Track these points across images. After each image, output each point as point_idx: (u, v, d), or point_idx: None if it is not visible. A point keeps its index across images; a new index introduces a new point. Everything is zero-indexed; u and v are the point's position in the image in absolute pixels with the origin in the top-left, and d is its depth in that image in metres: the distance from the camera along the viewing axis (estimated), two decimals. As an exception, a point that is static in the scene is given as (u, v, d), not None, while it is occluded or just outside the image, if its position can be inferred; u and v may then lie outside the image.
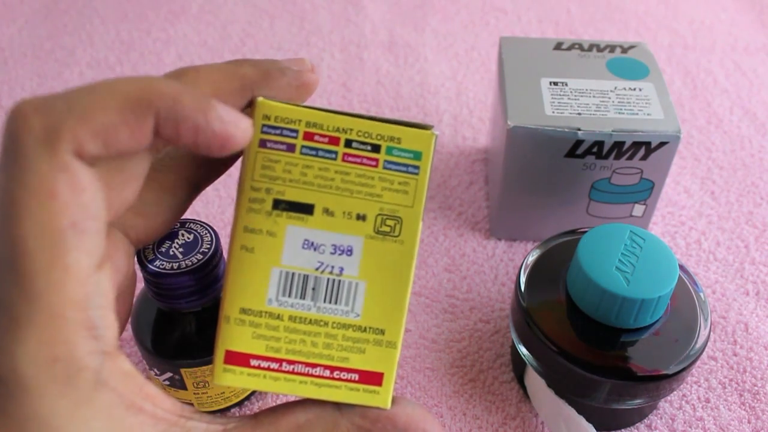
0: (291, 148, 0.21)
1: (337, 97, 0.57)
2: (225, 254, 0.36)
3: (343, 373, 0.21)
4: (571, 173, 0.41)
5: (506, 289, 0.43)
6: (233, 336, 0.21)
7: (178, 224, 0.31)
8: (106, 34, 0.64)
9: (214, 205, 0.47)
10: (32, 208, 0.16)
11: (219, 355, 0.21)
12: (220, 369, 0.21)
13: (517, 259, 0.44)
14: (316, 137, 0.21)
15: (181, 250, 0.30)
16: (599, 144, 0.39)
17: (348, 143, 0.21)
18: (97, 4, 0.68)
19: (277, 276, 0.21)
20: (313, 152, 0.21)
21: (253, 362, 0.21)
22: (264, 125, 0.21)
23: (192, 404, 0.35)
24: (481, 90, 0.58)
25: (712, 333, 0.40)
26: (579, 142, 0.39)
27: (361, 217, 0.21)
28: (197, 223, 0.31)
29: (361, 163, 0.21)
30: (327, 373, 0.21)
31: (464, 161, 0.51)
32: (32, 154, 0.16)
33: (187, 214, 0.47)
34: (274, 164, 0.21)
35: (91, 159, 0.17)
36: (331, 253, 0.21)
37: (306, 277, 0.21)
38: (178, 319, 0.32)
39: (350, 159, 0.21)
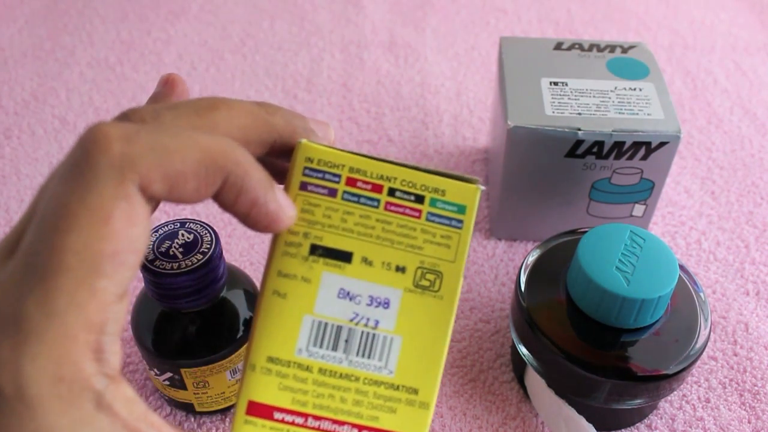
0: (333, 192, 0.20)
1: (337, 97, 0.57)
2: (226, 254, 0.36)
3: None
4: (571, 173, 0.41)
5: (506, 289, 0.43)
6: (258, 386, 0.20)
7: (179, 224, 0.31)
8: (106, 34, 0.64)
9: (214, 205, 0.47)
10: (83, 225, 0.17)
11: (241, 404, 0.20)
12: (242, 420, 0.20)
13: (517, 259, 0.44)
14: (359, 183, 0.20)
15: (181, 250, 0.30)
16: (599, 144, 0.39)
17: (391, 192, 0.20)
18: (97, 4, 0.68)
19: (309, 325, 0.20)
20: (355, 199, 0.20)
21: (277, 415, 0.20)
22: (306, 168, 0.20)
23: (192, 404, 0.35)
24: (481, 90, 0.58)
25: (712, 333, 0.40)
26: (579, 142, 0.39)
27: (400, 269, 0.20)
28: (197, 223, 0.31)
29: (404, 213, 0.20)
30: None
31: (464, 161, 0.51)
32: (101, 176, 0.17)
33: (187, 214, 0.47)
34: (313, 208, 0.20)
35: (150, 198, 0.18)
36: (368, 305, 0.20)
37: (339, 328, 0.20)
38: (178, 319, 0.32)
39: (393, 208, 0.20)
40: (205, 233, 0.31)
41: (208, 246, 0.30)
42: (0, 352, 0.16)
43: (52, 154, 0.52)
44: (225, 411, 0.36)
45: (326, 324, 0.20)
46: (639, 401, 0.32)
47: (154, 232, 0.31)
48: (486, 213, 0.47)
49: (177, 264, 0.29)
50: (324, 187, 0.20)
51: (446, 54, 0.62)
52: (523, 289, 0.35)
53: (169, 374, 0.33)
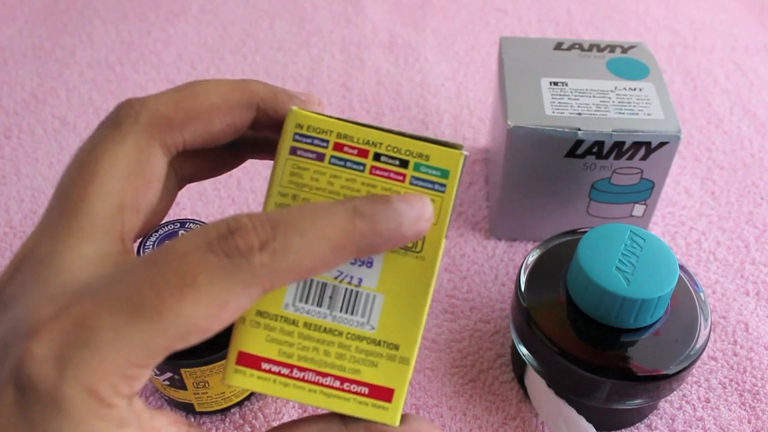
0: (320, 157, 0.21)
1: (337, 97, 0.57)
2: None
3: (353, 386, 0.21)
4: (571, 173, 0.41)
5: (506, 289, 0.43)
6: (247, 337, 0.21)
7: (178, 224, 0.31)
8: (106, 34, 0.64)
9: (214, 205, 0.47)
10: (106, 170, 0.19)
11: (231, 355, 0.21)
12: (232, 369, 0.21)
13: (517, 259, 0.44)
14: (346, 148, 0.21)
15: (181, 250, 0.30)
16: (599, 144, 0.39)
17: (376, 156, 0.21)
18: (97, 4, 0.68)
19: (296, 282, 0.21)
20: (342, 163, 0.21)
21: (265, 366, 0.21)
22: (296, 134, 0.21)
23: (192, 404, 0.35)
24: (481, 90, 0.58)
25: (712, 333, 0.40)
26: (579, 142, 0.39)
27: None
28: (197, 223, 0.31)
29: (388, 177, 0.21)
30: (337, 384, 0.21)
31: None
32: (129, 131, 0.19)
33: (187, 214, 0.47)
34: (302, 172, 0.21)
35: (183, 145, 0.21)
36: (351, 264, 0.21)
37: (324, 285, 0.21)
38: (178, 319, 0.32)
39: (378, 172, 0.21)
40: (205, 233, 0.31)
41: (208, 246, 0.30)
42: (51, 349, 0.16)
43: (52, 154, 0.52)
44: (225, 411, 0.36)
45: (312, 281, 0.21)
46: (639, 401, 0.32)
47: (154, 232, 0.31)
48: (486, 213, 0.47)
49: (177, 264, 0.29)
50: (312, 152, 0.21)
51: (446, 54, 0.62)
52: (523, 289, 0.35)
53: (169, 374, 0.33)
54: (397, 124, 0.54)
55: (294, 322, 0.21)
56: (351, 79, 0.59)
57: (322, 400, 0.21)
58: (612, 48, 0.45)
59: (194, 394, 0.34)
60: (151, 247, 0.30)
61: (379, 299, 0.21)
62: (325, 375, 0.21)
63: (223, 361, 0.32)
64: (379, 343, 0.21)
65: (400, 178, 0.21)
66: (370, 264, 0.21)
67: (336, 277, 0.21)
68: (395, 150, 0.21)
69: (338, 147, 0.21)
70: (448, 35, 0.65)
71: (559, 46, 0.45)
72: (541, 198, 0.43)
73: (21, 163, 0.51)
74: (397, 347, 0.21)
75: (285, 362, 0.21)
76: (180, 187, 0.24)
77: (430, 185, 0.21)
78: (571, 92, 0.41)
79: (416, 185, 0.21)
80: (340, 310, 0.21)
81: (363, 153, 0.21)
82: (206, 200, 0.48)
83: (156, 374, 0.33)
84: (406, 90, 0.58)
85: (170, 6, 0.68)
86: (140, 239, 0.30)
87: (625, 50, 0.45)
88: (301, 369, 0.21)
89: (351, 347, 0.21)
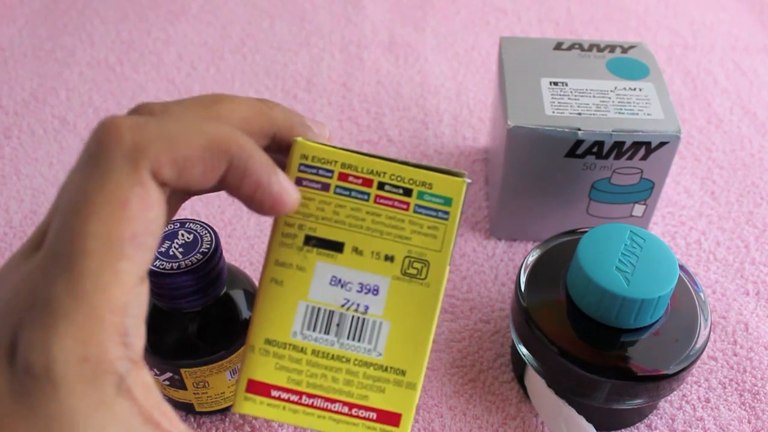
0: (326, 187, 0.22)
1: (337, 97, 0.57)
2: (226, 254, 0.36)
3: (361, 411, 0.21)
4: (571, 173, 0.41)
5: (506, 289, 0.43)
6: (257, 365, 0.21)
7: (178, 224, 0.31)
8: (106, 34, 0.64)
9: (214, 205, 0.47)
10: (102, 211, 0.17)
11: (242, 383, 0.21)
12: (242, 397, 0.21)
13: (517, 259, 0.44)
14: (351, 178, 0.22)
15: (181, 250, 0.30)
16: (599, 144, 0.39)
17: (381, 186, 0.21)
18: (97, 4, 0.68)
19: (304, 310, 0.21)
20: (347, 192, 0.22)
21: (274, 393, 0.21)
22: (301, 164, 0.22)
23: (192, 404, 0.35)
24: (481, 90, 0.58)
25: (712, 333, 0.40)
26: (579, 142, 0.39)
27: (389, 258, 0.21)
28: (197, 223, 0.31)
29: (393, 206, 0.21)
30: (345, 409, 0.21)
31: (464, 161, 0.51)
32: (116, 164, 0.18)
33: (187, 214, 0.47)
34: (308, 202, 0.22)
35: (162, 183, 0.19)
36: (358, 291, 0.21)
37: (331, 313, 0.21)
38: (178, 318, 0.32)
39: (382, 201, 0.21)
40: (205, 233, 0.31)
41: (208, 246, 0.30)
42: (32, 333, 0.17)
43: (52, 154, 0.52)
44: (225, 411, 0.36)
45: (319, 309, 0.21)
46: (639, 401, 0.32)
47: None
48: (486, 213, 0.47)
49: (177, 264, 0.29)
50: (318, 182, 0.22)
51: (446, 54, 0.62)
52: (523, 289, 0.35)
53: (169, 374, 0.33)
54: (397, 123, 0.54)
55: (302, 350, 0.21)
56: (351, 79, 0.59)
57: (332, 426, 0.21)
58: (612, 48, 0.45)
59: (194, 394, 0.34)
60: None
61: (385, 326, 0.21)
62: (333, 401, 0.21)
63: (223, 362, 0.33)
64: (386, 369, 0.21)
65: (405, 206, 0.21)
66: (376, 291, 0.21)
67: (343, 305, 0.21)
68: (399, 179, 0.21)
69: (343, 177, 0.22)
70: (448, 35, 0.65)
71: (559, 46, 0.45)
72: (541, 198, 0.43)
73: (21, 163, 0.51)
74: (404, 372, 0.21)
75: (294, 389, 0.21)
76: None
77: (434, 213, 0.21)
78: (571, 92, 0.41)
79: (420, 213, 0.21)
80: (348, 337, 0.21)
81: (367, 183, 0.22)
82: (206, 200, 0.48)
83: (156, 374, 0.33)
84: (406, 90, 0.58)
85: (170, 6, 0.68)
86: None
87: (625, 50, 0.45)
88: (310, 396, 0.21)
89: (359, 373, 0.21)
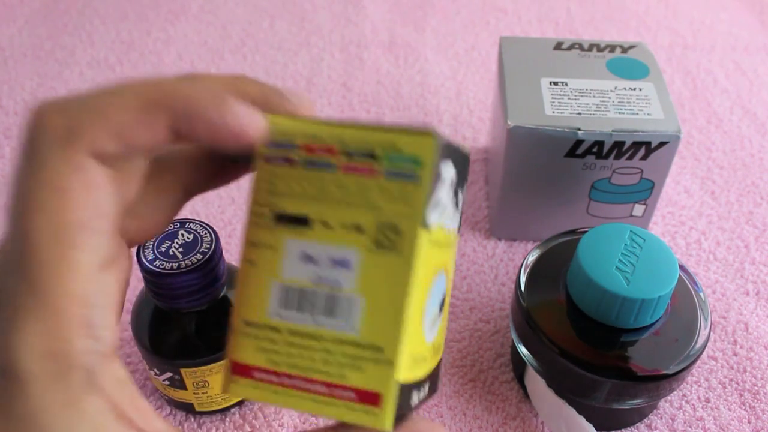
0: (292, 162, 0.20)
1: (337, 97, 0.57)
2: (226, 254, 0.36)
3: (340, 391, 0.20)
4: (571, 173, 0.41)
5: (506, 289, 0.43)
6: (239, 347, 0.21)
7: (178, 224, 0.31)
8: (106, 34, 0.64)
9: (214, 205, 0.47)
10: (43, 203, 0.17)
11: (227, 365, 0.21)
12: (228, 379, 0.21)
13: (517, 259, 0.44)
14: (316, 150, 0.20)
15: (180, 250, 0.30)
16: (599, 144, 0.39)
17: (347, 154, 0.20)
18: (97, 4, 0.68)
19: (277, 289, 0.20)
20: (313, 165, 0.20)
21: (256, 374, 0.20)
22: (269, 141, 0.21)
23: (192, 404, 0.35)
24: (481, 90, 0.58)
25: (712, 333, 0.40)
26: (579, 142, 0.39)
27: (359, 229, 0.20)
28: (197, 223, 0.31)
29: (361, 174, 0.20)
30: (325, 389, 0.20)
31: (464, 161, 0.51)
32: (48, 152, 0.17)
33: (187, 214, 0.47)
34: (276, 179, 0.21)
35: (109, 158, 0.18)
36: (329, 266, 0.20)
37: (303, 291, 0.20)
38: (178, 318, 0.32)
39: (350, 170, 0.20)
40: (205, 233, 0.31)
41: (208, 246, 0.30)
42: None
43: (52, 154, 0.51)
44: (225, 411, 0.36)
45: (292, 288, 0.20)
46: (639, 401, 0.32)
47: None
48: (486, 213, 0.47)
49: (177, 264, 0.29)
50: (283, 158, 0.21)
51: (446, 54, 0.62)
52: (523, 289, 0.35)
53: (168, 374, 0.33)
54: (397, 123, 0.54)
55: (279, 330, 0.20)
56: (351, 79, 0.59)
57: (313, 407, 0.20)
58: (612, 48, 0.45)
59: (194, 394, 0.34)
60: (150, 248, 0.30)
61: (359, 301, 0.20)
62: (312, 381, 0.20)
63: (223, 361, 0.33)
64: (362, 347, 0.20)
65: (373, 173, 0.20)
66: (347, 265, 0.20)
67: (314, 282, 0.20)
68: (365, 144, 0.20)
69: (309, 149, 0.20)
70: (448, 35, 0.65)
71: (559, 46, 0.45)
72: (541, 198, 0.43)
73: (21, 163, 0.51)
74: (381, 350, 0.20)
75: (274, 370, 0.20)
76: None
77: (404, 177, 0.20)
78: (571, 92, 0.41)
79: (390, 178, 0.20)
80: (322, 315, 0.20)
81: (333, 152, 0.20)
82: (206, 200, 0.48)
83: (156, 374, 0.33)
84: (406, 90, 0.58)
85: (170, 6, 0.68)
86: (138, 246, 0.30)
87: (625, 50, 0.45)
88: (290, 376, 0.20)
89: (335, 352, 0.20)
